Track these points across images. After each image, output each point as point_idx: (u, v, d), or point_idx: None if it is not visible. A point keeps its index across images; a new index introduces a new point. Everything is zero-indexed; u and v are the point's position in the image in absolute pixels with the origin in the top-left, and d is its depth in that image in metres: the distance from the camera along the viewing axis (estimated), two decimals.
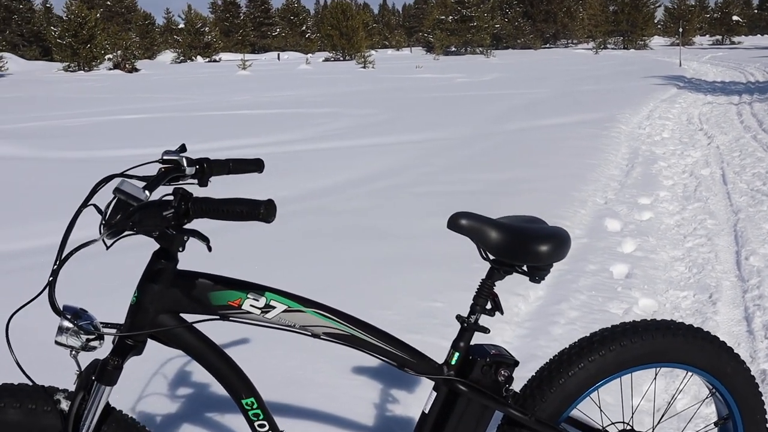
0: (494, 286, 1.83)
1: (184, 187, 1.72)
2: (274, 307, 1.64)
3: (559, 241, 1.75)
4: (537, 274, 1.79)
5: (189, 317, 1.63)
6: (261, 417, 1.70)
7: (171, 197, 1.44)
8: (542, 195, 6.53)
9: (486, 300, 1.82)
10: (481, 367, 1.79)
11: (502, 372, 1.80)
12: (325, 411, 2.83)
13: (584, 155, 8.43)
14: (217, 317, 1.63)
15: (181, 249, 1.56)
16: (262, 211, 1.33)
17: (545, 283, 4.52)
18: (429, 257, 4.80)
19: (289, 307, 1.65)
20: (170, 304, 1.59)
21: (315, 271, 4.59)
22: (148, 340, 1.64)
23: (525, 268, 1.80)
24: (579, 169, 7.69)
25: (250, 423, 1.71)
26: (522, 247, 1.74)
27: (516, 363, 1.83)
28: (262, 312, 1.64)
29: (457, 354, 1.80)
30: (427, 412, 1.82)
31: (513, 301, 4.10)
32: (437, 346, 3.13)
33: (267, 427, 1.71)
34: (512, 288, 4.21)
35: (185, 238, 1.54)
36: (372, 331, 1.73)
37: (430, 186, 7.21)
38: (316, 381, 3.06)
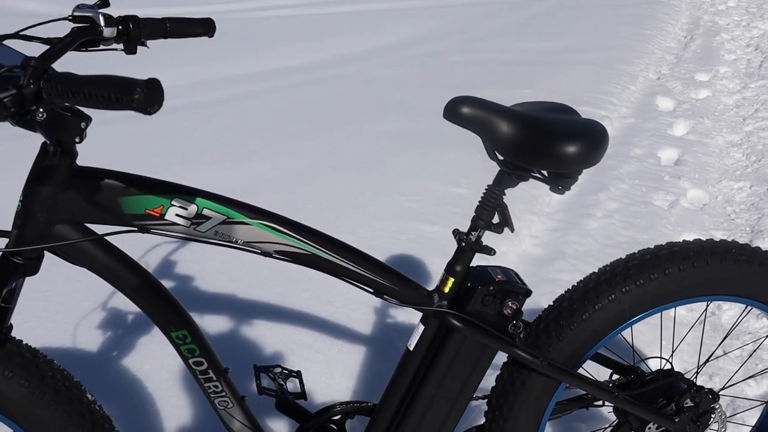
0: (504, 194, 1.41)
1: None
2: (208, 218, 1.25)
3: (592, 141, 1.31)
4: (560, 183, 1.36)
5: (99, 229, 1.25)
6: (197, 353, 1.35)
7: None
8: (588, 67, 5.94)
9: (492, 212, 1.40)
10: (482, 296, 1.39)
11: (509, 303, 1.41)
12: (317, 314, 2.49)
13: (639, 24, 7.70)
14: (134, 229, 1.25)
15: (78, 140, 1.15)
16: (136, 97, 0.91)
17: (584, 171, 4.07)
18: (457, 136, 4.35)
19: (228, 217, 1.26)
20: (69, 211, 1.21)
21: (329, 146, 4.18)
22: (48, 255, 1.27)
23: (545, 173, 1.37)
24: (632, 40, 7.01)
25: (185, 359, 1.36)
26: (541, 146, 1.30)
27: (528, 292, 1.43)
28: (192, 224, 1.25)
29: (452, 279, 1.41)
30: (412, 349, 1.45)
31: (545, 189, 3.65)
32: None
33: (205, 365, 1.36)
34: None
35: (82, 125, 1.14)
36: (340, 250, 1.34)
37: (469, 54, 6.63)
38: (314, 279, 2.70)
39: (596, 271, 1.52)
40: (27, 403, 1.27)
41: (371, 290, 1.38)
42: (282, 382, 1.63)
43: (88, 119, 1.14)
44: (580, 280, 1.52)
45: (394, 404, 1.49)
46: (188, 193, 1.24)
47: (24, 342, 1.32)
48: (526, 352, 1.43)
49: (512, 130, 1.31)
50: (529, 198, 3.52)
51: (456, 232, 1.43)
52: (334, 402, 1.60)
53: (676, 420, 1.56)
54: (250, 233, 1.28)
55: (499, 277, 1.43)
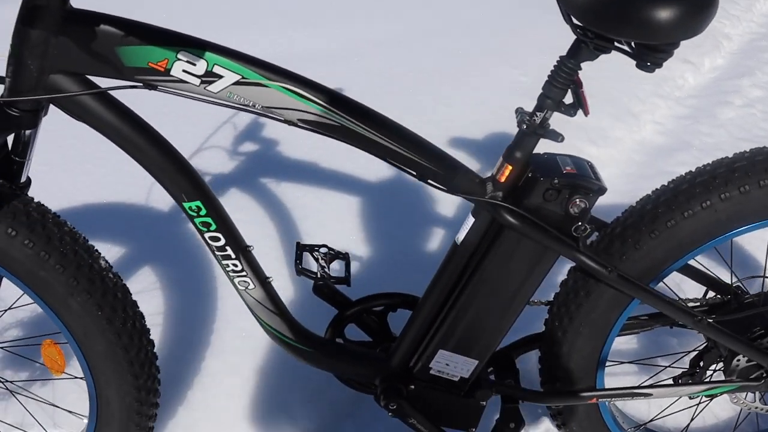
0: (579, 69, 1.15)
1: None
2: (220, 76, 1.09)
3: (692, 2, 1.02)
4: (649, 58, 1.08)
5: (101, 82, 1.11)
6: (213, 228, 1.21)
7: None
8: None
9: (563, 90, 1.15)
10: (543, 189, 1.17)
11: (577, 201, 1.18)
12: (401, 190, 2.32)
13: None
14: (138, 84, 1.10)
15: None
16: None
17: (729, 52, 3.61)
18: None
19: (243, 77, 1.09)
20: (62, 60, 1.07)
21: (429, 10, 3.85)
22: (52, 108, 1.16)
23: (632, 45, 1.10)
24: None
25: (200, 233, 1.23)
26: (626, 9, 1.02)
27: (601, 189, 1.19)
28: (202, 82, 1.09)
29: (509, 167, 1.19)
30: (459, 243, 1.26)
31: (678, 69, 3.26)
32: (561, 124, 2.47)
33: (222, 241, 1.23)
34: (681, 52, 3.34)
35: None
36: (375, 125, 1.14)
37: None
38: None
39: (693, 170, 1.26)
40: (31, 264, 1.20)
41: (414, 173, 1.19)
42: (325, 264, 1.48)
43: None
44: (672, 180, 1.27)
45: (437, 302, 1.32)
46: (196, 47, 1.07)
47: (36, 200, 1.23)
48: (592, 260, 1.21)
49: None
50: (657, 79, 3.14)
51: (519, 111, 1.19)
52: (378, 293, 1.45)
53: None
54: (270, 97, 1.10)
55: (567, 168, 1.19)
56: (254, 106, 1.11)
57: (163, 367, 1.72)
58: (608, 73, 3.03)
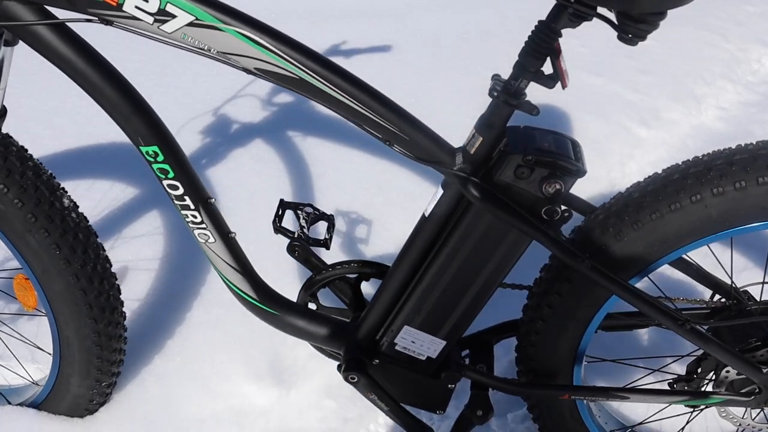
0: (559, 35, 1.04)
1: None
2: (173, 16, 1.03)
3: None
4: (631, 29, 0.96)
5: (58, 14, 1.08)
6: (171, 175, 1.17)
7: None
8: None
9: (541, 58, 1.05)
10: (515, 166, 1.08)
11: (552, 182, 1.08)
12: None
13: None
14: (94, 18, 1.05)
15: None
16: None
17: None
18: None
19: (197, 18, 1.03)
20: None
21: None
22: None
23: (613, 13, 0.98)
24: None
25: (159, 180, 1.19)
26: None
27: (578, 172, 1.09)
28: (155, 21, 1.04)
29: (480, 139, 1.10)
30: (427, 215, 1.19)
31: (756, 52, 3.03)
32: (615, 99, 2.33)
33: (181, 191, 1.19)
34: (764, 34, 3.12)
35: None
36: (338, 81, 1.07)
37: None
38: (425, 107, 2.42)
39: (690, 159, 1.14)
40: None
41: (379, 136, 1.12)
42: (305, 224, 1.43)
43: None
44: (666, 168, 1.15)
45: (405, 276, 1.25)
46: None
47: (4, 132, 1.22)
48: (563, 246, 1.11)
49: None
50: (729, 60, 2.93)
51: (494, 78, 1.10)
52: (355, 259, 1.39)
53: (765, 371, 1.20)
54: (225, 42, 1.04)
55: (545, 144, 1.09)
56: (210, 50, 1.06)
57: (148, 313, 1.72)
58: (672, 50, 2.86)
